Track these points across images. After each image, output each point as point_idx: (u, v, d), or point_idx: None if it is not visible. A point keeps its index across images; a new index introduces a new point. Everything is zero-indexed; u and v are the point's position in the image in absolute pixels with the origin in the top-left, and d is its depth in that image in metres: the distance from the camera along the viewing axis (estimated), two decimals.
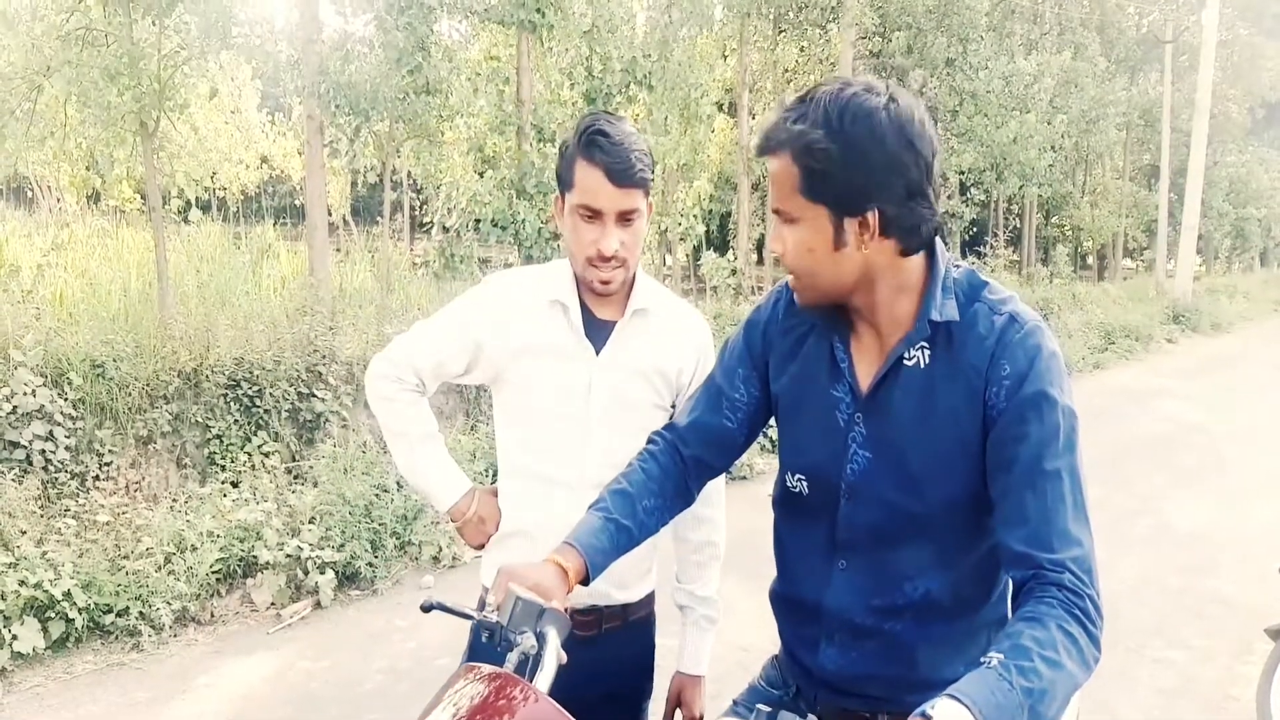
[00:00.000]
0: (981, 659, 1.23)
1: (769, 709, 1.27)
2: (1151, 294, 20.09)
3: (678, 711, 2.18)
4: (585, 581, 1.56)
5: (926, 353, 1.48)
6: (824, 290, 1.48)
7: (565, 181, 1.95)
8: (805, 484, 1.62)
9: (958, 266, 1.53)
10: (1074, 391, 1.45)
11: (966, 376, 1.45)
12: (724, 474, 2.21)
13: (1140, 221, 26.93)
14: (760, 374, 1.69)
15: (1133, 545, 6.30)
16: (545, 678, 1.41)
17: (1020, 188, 17.84)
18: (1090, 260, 29.76)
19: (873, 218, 1.39)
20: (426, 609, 1.57)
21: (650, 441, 1.75)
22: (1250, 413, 11.11)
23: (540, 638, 1.44)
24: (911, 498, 1.50)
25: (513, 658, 1.42)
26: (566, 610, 1.47)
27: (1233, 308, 21.85)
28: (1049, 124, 17.31)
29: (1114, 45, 23.50)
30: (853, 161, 1.35)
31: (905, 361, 1.49)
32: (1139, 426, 10.16)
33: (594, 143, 1.88)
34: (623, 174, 1.88)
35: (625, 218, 1.92)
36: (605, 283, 1.95)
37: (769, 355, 1.67)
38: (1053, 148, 18.19)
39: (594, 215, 1.91)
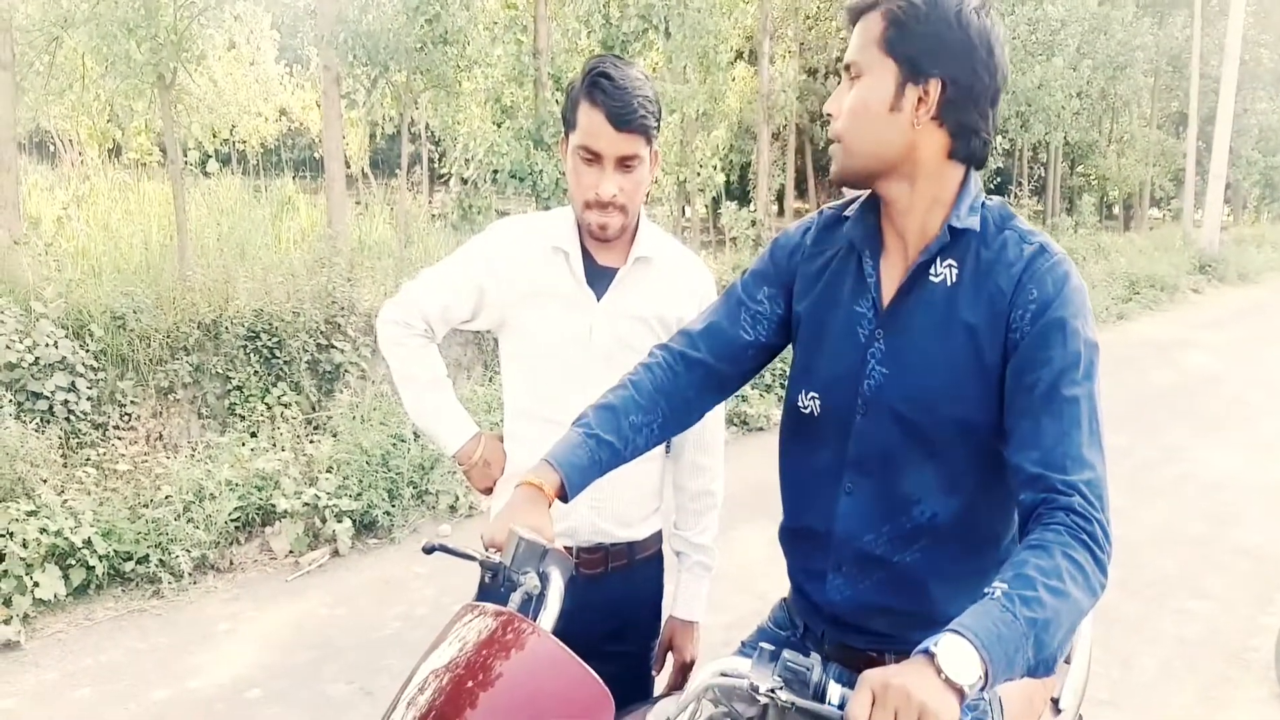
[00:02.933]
0: (985, 590, 1.23)
1: (772, 648, 1.26)
2: (1178, 244, 19.74)
3: (669, 655, 2.18)
4: (564, 499, 1.56)
5: (954, 270, 1.49)
6: (865, 156, 1.48)
7: (569, 122, 1.96)
8: (818, 402, 1.61)
9: (991, 198, 1.55)
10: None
11: (991, 298, 1.45)
12: (724, 425, 2.20)
13: (1167, 170, 26.53)
14: (784, 294, 1.68)
15: (1156, 494, 6.24)
16: (549, 617, 1.41)
17: (1045, 134, 17.57)
18: (1116, 210, 29.37)
19: (934, 89, 1.42)
20: (429, 550, 1.57)
21: (650, 354, 1.73)
22: (1276, 363, 10.96)
23: (543, 578, 1.43)
24: (923, 414, 1.50)
25: (516, 597, 1.42)
26: (571, 550, 1.46)
27: (1260, 258, 21.47)
28: (1074, 70, 17.00)
29: None
30: (933, 23, 1.41)
31: (931, 277, 1.50)
32: (1163, 376, 10.06)
33: (597, 85, 1.88)
34: (623, 118, 1.87)
35: (625, 163, 1.92)
36: (602, 227, 1.96)
37: (795, 277, 1.67)
38: (1079, 94, 17.89)
39: (594, 158, 1.91)
